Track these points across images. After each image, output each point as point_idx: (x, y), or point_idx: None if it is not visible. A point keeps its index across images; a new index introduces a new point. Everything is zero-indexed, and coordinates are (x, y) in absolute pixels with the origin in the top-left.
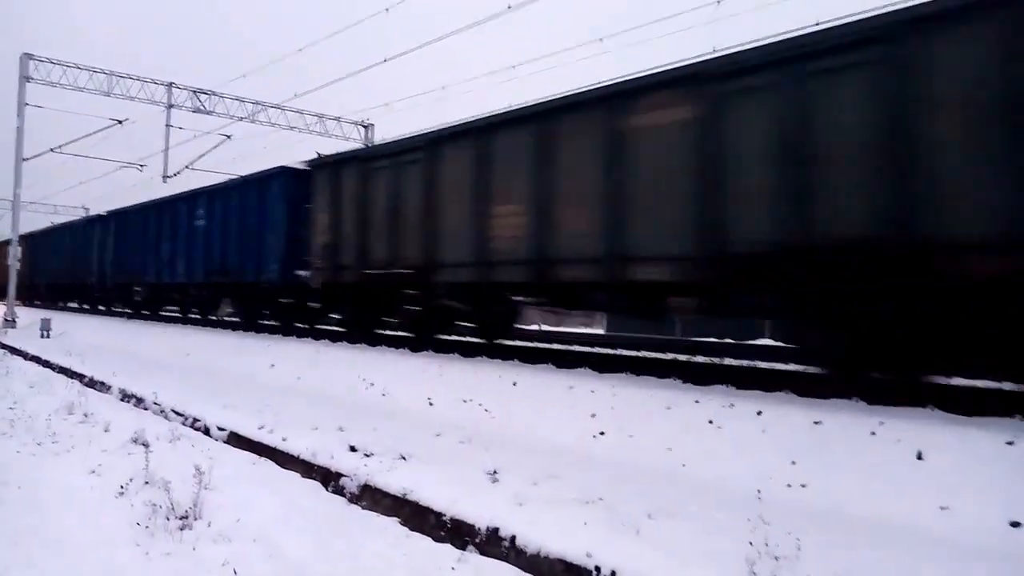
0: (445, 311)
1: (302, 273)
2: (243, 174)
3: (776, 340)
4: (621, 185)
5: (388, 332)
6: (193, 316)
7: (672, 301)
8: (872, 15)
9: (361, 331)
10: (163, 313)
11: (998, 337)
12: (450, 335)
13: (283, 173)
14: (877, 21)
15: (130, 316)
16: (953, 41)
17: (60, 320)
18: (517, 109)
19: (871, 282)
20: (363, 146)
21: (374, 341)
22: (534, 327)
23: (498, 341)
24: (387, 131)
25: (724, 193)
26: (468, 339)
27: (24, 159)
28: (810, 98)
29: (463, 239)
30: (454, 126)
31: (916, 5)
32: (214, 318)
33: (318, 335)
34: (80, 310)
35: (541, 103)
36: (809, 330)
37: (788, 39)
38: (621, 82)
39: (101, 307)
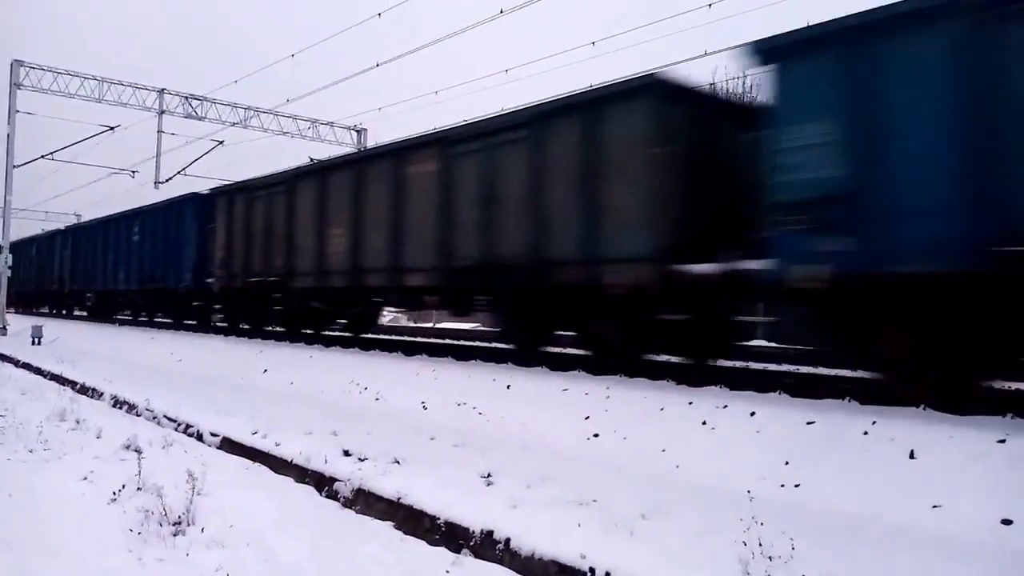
0: (309, 309)
1: (209, 280)
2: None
3: (767, 341)
4: (401, 216)
5: (275, 328)
6: (174, 322)
7: (427, 300)
8: (524, 107)
9: (252, 327)
10: (157, 320)
11: (585, 317)
12: (325, 331)
13: (194, 199)
14: (526, 112)
15: (121, 323)
16: (559, 129)
17: (46, 327)
18: (344, 156)
19: (523, 287)
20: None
21: (309, 340)
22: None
23: (364, 335)
24: (381, 135)
25: (452, 224)
26: (340, 333)
27: (15, 166)
28: (496, 161)
29: (309, 254)
30: (305, 167)
31: (541, 103)
32: (200, 323)
33: (310, 340)
34: (62, 316)
35: (357, 153)
36: (500, 319)
37: (487, 119)
38: (402, 141)
39: (64, 311)
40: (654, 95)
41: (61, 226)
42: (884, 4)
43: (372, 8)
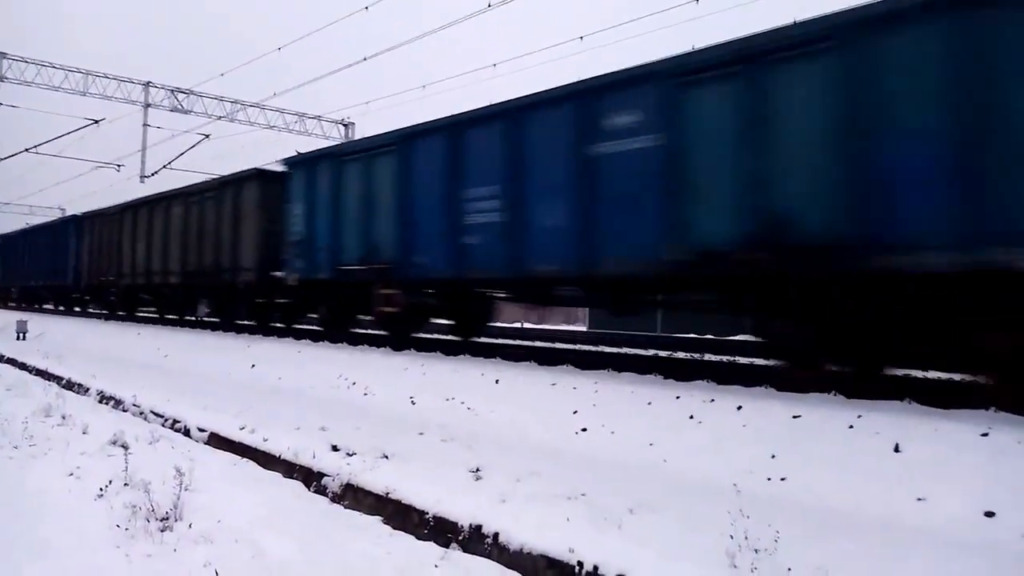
0: (140, 299)
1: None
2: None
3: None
4: (167, 239)
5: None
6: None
7: (177, 295)
8: (218, 177)
9: (110, 312)
10: (139, 314)
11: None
12: (168, 316)
13: (73, 219)
14: (218, 180)
15: (106, 318)
16: (227, 193)
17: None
18: (143, 198)
19: (213, 284)
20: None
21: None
22: (516, 325)
23: (187, 317)
24: (368, 129)
25: (187, 246)
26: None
27: None
28: (203, 209)
29: (129, 262)
30: (127, 203)
31: (226, 176)
32: (184, 317)
33: (299, 335)
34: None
35: (154, 195)
36: (208, 304)
37: (201, 183)
38: (170, 191)
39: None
40: (259, 179)
41: (46, 219)
42: (319, 147)
43: (359, 1)
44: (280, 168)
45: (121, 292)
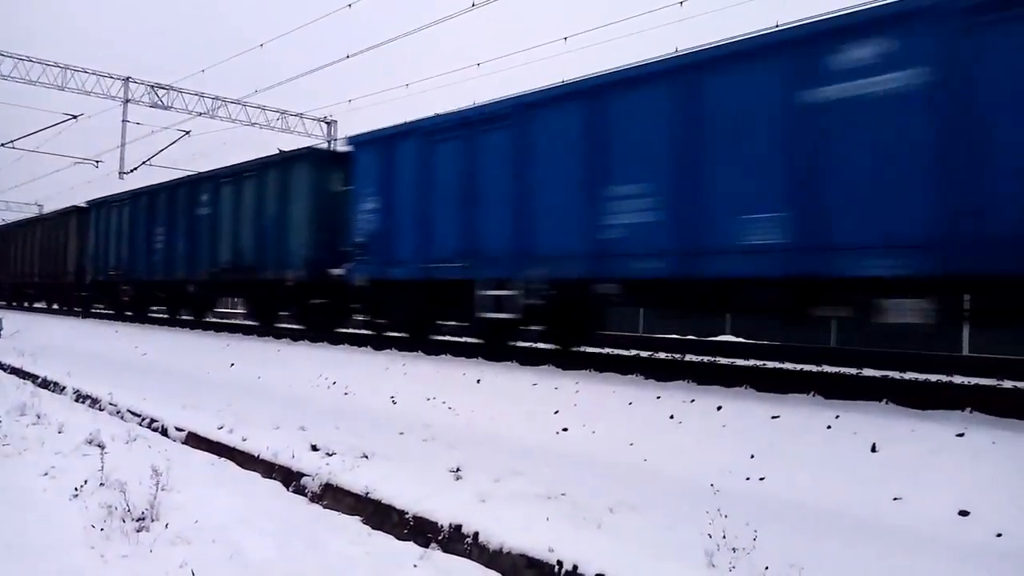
0: (24, 294)
1: None
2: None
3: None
4: (34, 250)
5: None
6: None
7: (38, 290)
8: (68, 207)
9: (7, 303)
10: (127, 313)
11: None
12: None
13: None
14: (68, 208)
15: (84, 316)
16: (59, 223)
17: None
18: (26, 218)
19: (53, 281)
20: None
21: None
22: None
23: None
24: (351, 128)
25: (43, 257)
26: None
27: None
28: (46, 233)
29: (14, 265)
30: (17, 221)
31: (70, 206)
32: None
33: (279, 334)
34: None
35: (26, 219)
36: (58, 296)
37: (42, 214)
38: (37, 216)
39: None
40: (76, 213)
41: (22, 215)
42: (118, 191)
43: None
44: (85, 206)
45: (8, 288)
